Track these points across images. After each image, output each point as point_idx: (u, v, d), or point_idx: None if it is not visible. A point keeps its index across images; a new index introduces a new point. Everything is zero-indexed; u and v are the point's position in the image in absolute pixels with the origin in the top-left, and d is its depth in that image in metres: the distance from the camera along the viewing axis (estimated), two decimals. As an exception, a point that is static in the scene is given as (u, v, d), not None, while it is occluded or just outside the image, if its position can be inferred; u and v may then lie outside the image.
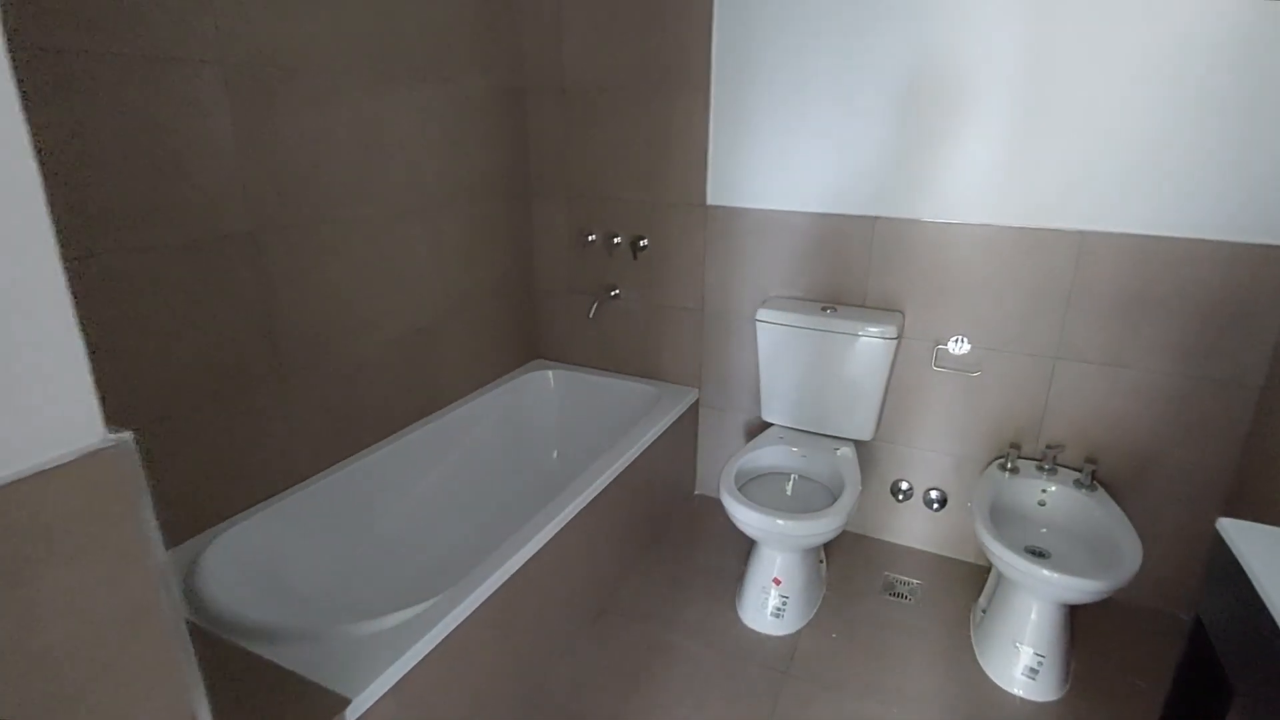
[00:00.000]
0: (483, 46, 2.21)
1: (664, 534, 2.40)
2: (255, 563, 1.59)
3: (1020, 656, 1.76)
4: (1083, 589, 1.55)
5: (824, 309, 2.11)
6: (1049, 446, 1.99)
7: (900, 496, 2.29)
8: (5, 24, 0.50)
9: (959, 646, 1.92)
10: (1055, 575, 1.57)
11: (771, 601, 1.95)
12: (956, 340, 2.04)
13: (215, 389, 1.58)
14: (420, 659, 1.31)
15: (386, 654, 1.27)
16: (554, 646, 1.82)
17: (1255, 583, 0.85)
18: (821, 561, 2.17)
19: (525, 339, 2.69)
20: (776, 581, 1.94)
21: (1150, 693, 1.76)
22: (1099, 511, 1.81)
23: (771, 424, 2.27)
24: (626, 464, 2.03)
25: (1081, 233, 1.84)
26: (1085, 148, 1.79)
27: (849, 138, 2.02)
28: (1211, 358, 1.81)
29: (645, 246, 2.42)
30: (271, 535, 1.67)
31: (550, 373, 2.65)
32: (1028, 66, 1.79)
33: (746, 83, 2.10)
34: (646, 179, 2.34)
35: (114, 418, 1.38)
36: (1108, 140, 1.76)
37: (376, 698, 1.22)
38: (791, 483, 2.10)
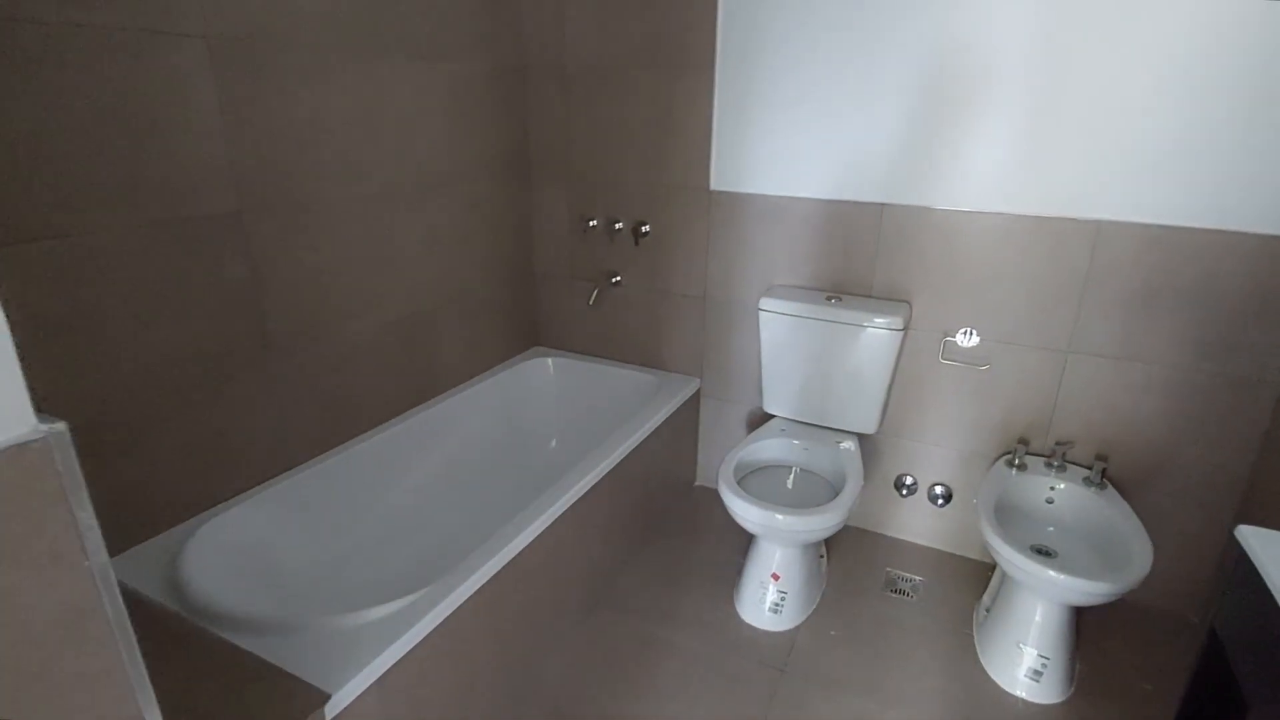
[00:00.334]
0: (482, 24, 2.14)
1: (662, 526, 2.37)
2: (243, 551, 1.56)
3: (1024, 658, 1.71)
4: (1090, 591, 1.50)
5: (829, 298, 2.05)
6: (1058, 443, 1.94)
7: (904, 491, 2.24)
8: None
9: (961, 646, 1.87)
10: (1061, 576, 1.52)
11: (770, 597, 1.91)
12: (965, 332, 1.98)
13: (201, 373, 1.54)
14: (405, 653, 1.28)
15: (370, 648, 1.24)
16: (546, 640, 1.79)
17: (1277, 594, 0.80)
18: (822, 556, 2.12)
19: (524, 326, 2.64)
20: (775, 577, 1.90)
21: (1157, 697, 1.72)
22: (1109, 511, 1.76)
23: (773, 416, 2.22)
24: (625, 454, 1.98)
25: (1099, 222, 1.78)
26: (1104, 134, 1.72)
27: (858, 122, 1.96)
28: (1231, 354, 1.74)
29: (647, 232, 2.36)
30: (260, 523, 1.64)
31: (550, 360, 2.61)
32: (1047, 50, 1.71)
33: (752, 64, 2.03)
34: (649, 163, 2.28)
35: (94, 402, 1.35)
36: (1128, 126, 1.69)
37: (358, 693, 1.19)
38: (793, 476, 2.05)
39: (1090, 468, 1.88)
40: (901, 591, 2.07)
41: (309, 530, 1.75)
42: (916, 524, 2.28)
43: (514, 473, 2.42)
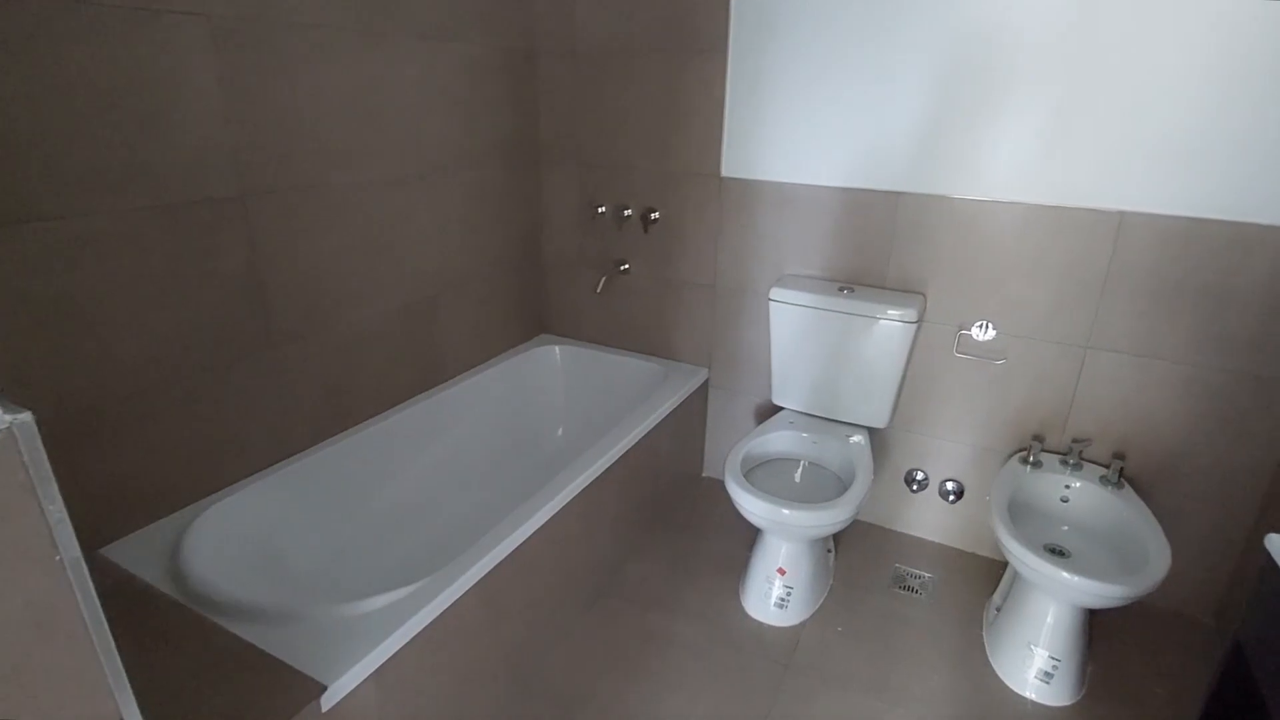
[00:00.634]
0: (491, 4, 2.10)
1: (668, 517, 2.34)
2: (243, 538, 1.55)
3: (1034, 659, 1.68)
4: (1104, 594, 1.47)
5: (841, 289, 2.01)
6: (1075, 440, 1.89)
7: (915, 487, 2.20)
8: None
9: (970, 645, 1.84)
10: (1075, 578, 1.48)
11: (776, 591, 1.89)
12: (981, 325, 1.93)
13: (203, 359, 1.52)
14: (404, 644, 1.27)
15: (368, 639, 1.22)
16: (549, 631, 1.77)
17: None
18: (830, 551, 2.09)
19: (531, 312, 2.61)
20: (781, 571, 1.87)
21: (1170, 701, 1.68)
22: (1125, 511, 1.71)
23: (782, 408, 2.18)
24: (631, 444, 1.96)
25: (1122, 213, 1.72)
26: (1130, 123, 1.66)
27: (874, 107, 1.90)
28: (1255, 351, 1.68)
29: (657, 219, 2.32)
30: (261, 510, 1.63)
31: (557, 348, 2.58)
32: (1072, 35, 1.65)
33: (766, 47, 1.98)
34: (659, 148, 2.23)
35: (94, 387, 1.34)
36: (1154, 115, 1.63)
37: (355, 684, 1.17)
38: (801, 470, 2.02)
39: (1108, 466, 1.83)
40: (910, 588, 2.04)
41: (311, 518, 1.74)
42: (927, 520, 2.24)
43: (519, 461, 2.40)
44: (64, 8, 1.19)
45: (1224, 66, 1.55)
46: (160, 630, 1.23)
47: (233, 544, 1.51)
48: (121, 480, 1.42)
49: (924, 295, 2.00)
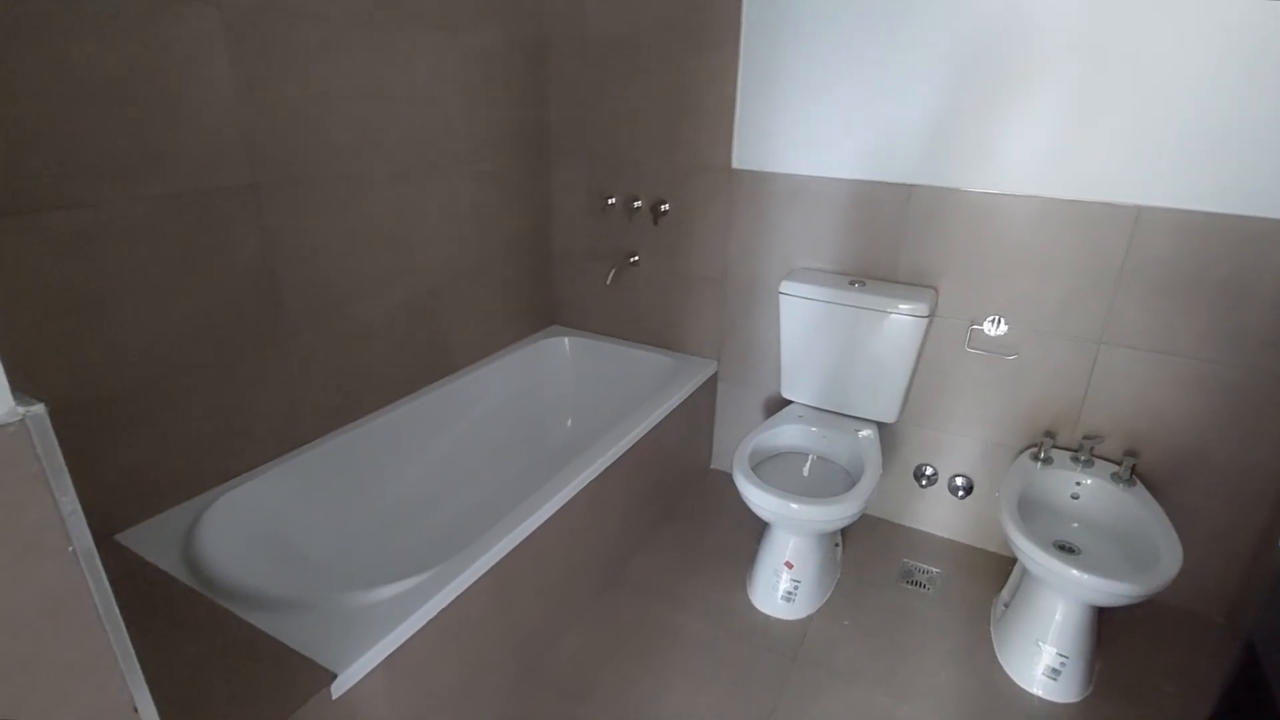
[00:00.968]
0: (502, -6, 2.09)
1: (676, 509, 2.35)
2: (256, 526, 1.57)
3: (1042, 655, 1.67)
4: (1114, 592, 1.46)
5: (852, 283, 2.00)
6: (1086, 437, 1.87)
7: (924, 482, 2.19)
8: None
9: (978, 641, 1.84)
10: (1085, 576, 1.47)
11: (783, 585, 1.89)
12: (993, 320, 1.92)
13: (216, 347, 1.53)
14: (414, 633, 1.28)
15: (378, 628, 1.23)
16: (556, 621, 1.78)
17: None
18: (837, 545, 2.09)
19: (541, 304, 2.61)
20: (789, 565, 1.88)
21: (1179, 700, 1.67)
22: (1137, 508, 1.70)
23: (791, 401, 2.18)
24: (640, 436, 1.96)
25: (1138, 207, 1.69)
26: (1147, 115, 1.63)
27: (887, 99, 1.88)
28: (1272, 348, 1.66)
29: (667, 211, 2.31)
30: (273, 498, 1.65)
31: (566, 340, 2.58)
32: (1090, 25, 1.62)
33: (778, 38, 1.96)
34: (670, 140, 2.22)
35: (109, 375, 1.35)
36: (1172, 108, 1.60)
37: (364, 672, 1.19)
38: (809, 464, 2.02)
39: (1119, 463, 1.81)
40: (918, 583, 2.03)
41: (322, 506, 1.75)
42: (935, 515, 2.23)
43: (528, 452, 2.41)
44: (77, -2, 1.20)
45: (1243, 59, 1.52)
46: (173, 617, 1.24)
47: (245, 532, 1.52)
48: (136, 467, 1.44)
49: (936, 289, 1.98)
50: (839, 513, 1.71)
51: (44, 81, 1.18)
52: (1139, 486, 1.77)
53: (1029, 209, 1.81)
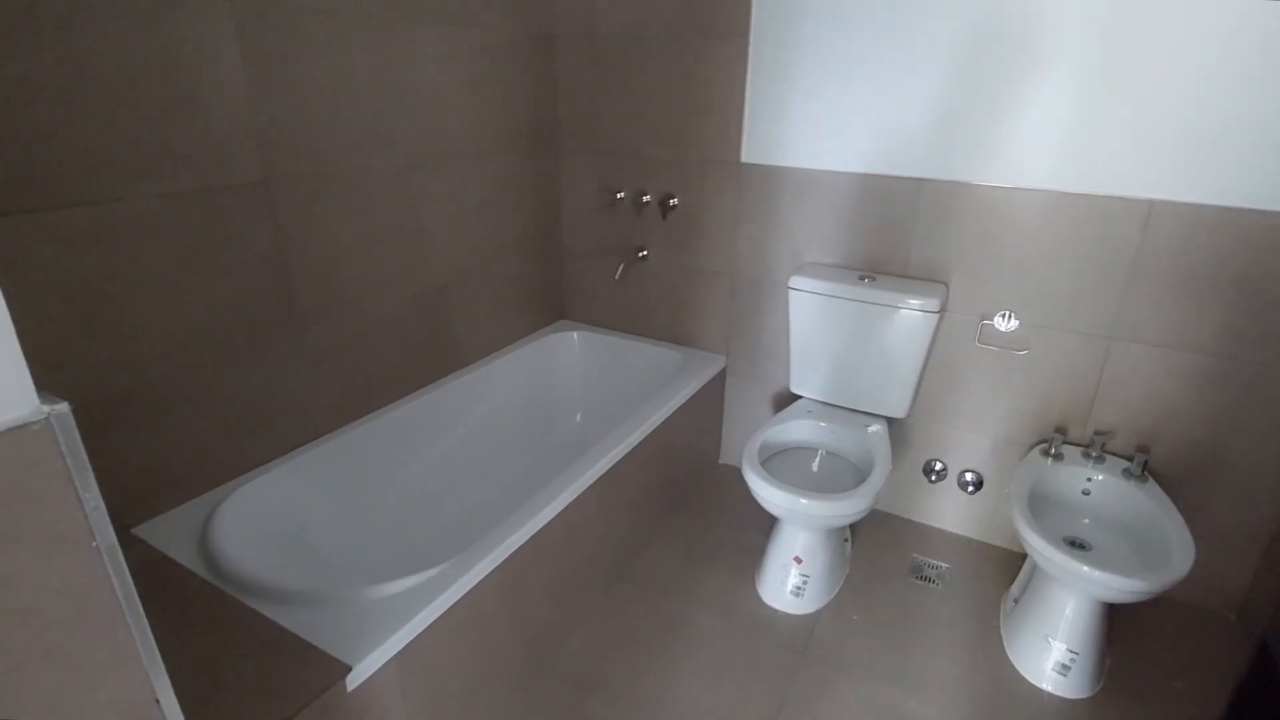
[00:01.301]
0: (511, -12, 2.09)
1: (685, 504, 2.35)
2: (270, 519, 1.58)
3: (1052, 651, 1.67)
4: (1125, 588, 1.45)
5: (862, 278, 1.99)
6: (1098, 433, 1.86)
7: (933, 477, 2.19)
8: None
9: (987, 636, 1.84)
10: (1095, 572, 1.47)
11: (792, 580, 1.89)
12: (1004, 315, 1.91)
13: (229, 341, 1.55)
14: (427, 625, 1.29)
15: (391, 621, 1.25)
16: (567, 615, 1.79)
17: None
18: (846, 540, 2.09)
19: (550, 298, 2.62)
20: (798, 560, 1.88)
21: (1189, 696, 1.67)
22: (1149, 504, 1.69)
23: (801, 396, 2.17)
24: (649, 431, 1.96)
25: (1151, 201, 1.68)
26: (1160, 109, 1.62)
27: (898, 92, 1.87)
28: (1289, 344, 1.65)
29: (675, 206, 2.31)
30: (287, 492, 1.66)
31: (575, 334, 2.59)
32: (1101, 16, 1.61)
33: (788, 31, 1.95)
34: (679, 134, 2.22)
35: (125, 370, 1.37)
36: (1186, 100, 1.59)
37: (378, 665, 1.20)
38: (818, 459, 2.02)
39: (1131, 459, 1.81)
40: (927, 578, 2.03)
41: (335, 500, 1.77)
42: (945, 510, 2.23)
43: (538, 446, 2.42)
44: (92, -4, 1.21)
45: (1258, 50, 1.50)
46: (189, 610, 1.26)
47: (259, 525, 1.54)
48: (152, 461, 1.46)
49: (946, 284, 1.97)
50: (848, 508, 1.71)
51: (58, 80, 1.19)
52: (1151, 483, 1.76)
53: (1040, 203, 1.80)
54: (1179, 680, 1.71)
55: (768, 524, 2.05)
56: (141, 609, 0.59)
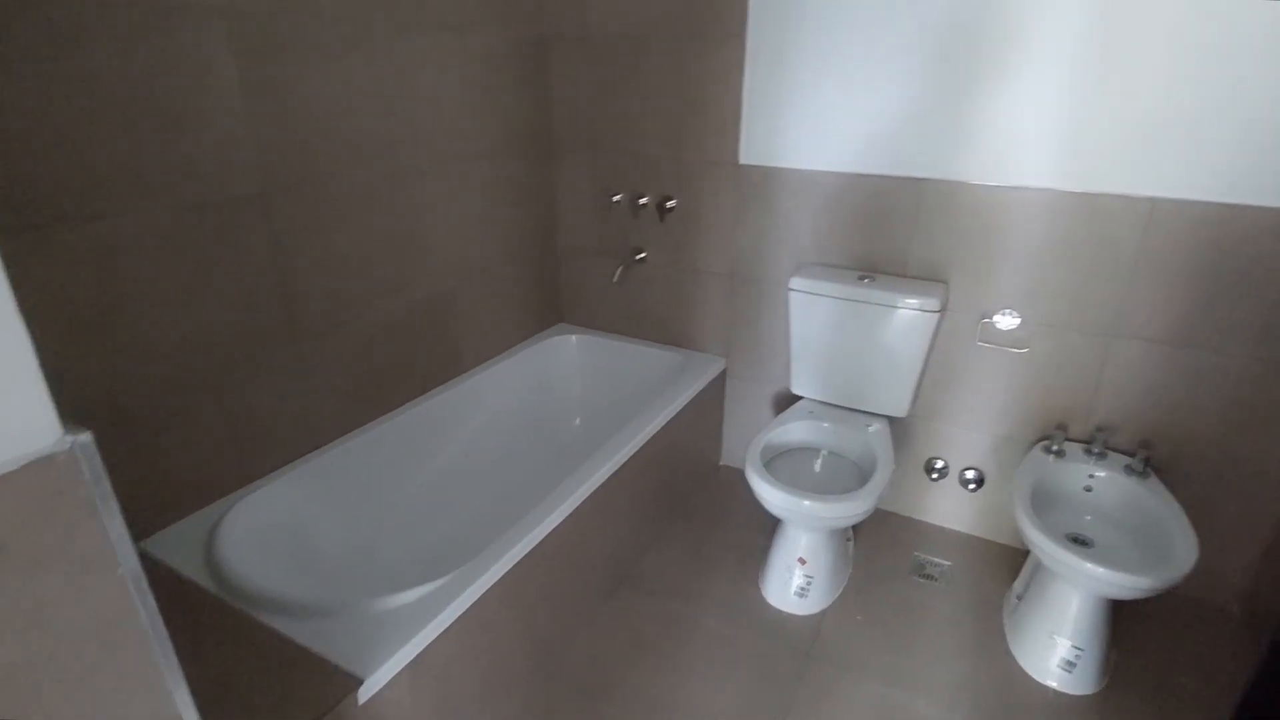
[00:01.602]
0: (506, -8, 2.08)
1: (687, 506, 2.36)
2: (275, 530, 1.58)
3: (1056, 648, 1.68)
4: (1129, 585, 1.47)
5: (862, 278, 2.00)
6: (1099, 429, 1.88)
7: (935, 475, 2.20)
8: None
9: (991, 634, 1.85)
10: (1099, 569, 1.48)
11: (796, 581, 1.90)
12: (1004, 314, 1.92)
13: (232, 353, 1.54)
14: (436, 637, 1.29)
15: (401, 633, 1.24)
16: (573, 620, 1.79)
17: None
18: (849, 540, 2.10)
19: (549, 302, 2.62)
20: (801, 561, 1.89)
21: (1195, 692, 1.68)
22: (1151, 501, 1.71)
23: (801, 397, 2.18)
24: (650, 435, 1.97)
25: (1152, 199, 1.69)
26: (1160, 105, 1.63)
27: (894, 92, 1.88)
28: (1286, 339, 1.66)
29: (673, 208, 2.31)
30: (291, 502, 1.66)
31: (574, 338, 2.59)
32: (1097, 12, 1.62)
33: (785, 32, 1.95)
34: (675, 136, 2.22)
35: (129, 384, 1.36)
36: (1185, 97, 1.60)
37: (389, 677, 1.20)
38: (820, 459, 2.02)
39: (1133, 455, 1.82)
40: (930, 576, 2.05)
41: (339, 509, 1.77)
42: (946, 508, 2.24)
43: (539, 450, 2.42)
44: (94, 11, 1.19)
45: (1260, 47, 1.51)
46: (200, 624, 1.26)
47: (265, 537, 1.53)
48: (157, 475, 1.45)
49: (946, 283, 1.98)
50: (852, 509, 1.71)
51: (60, 97, 1.18)
52: (1154, 479, 1.78)
53: (1039, 201, 1.81)
54: (1184, 674, 1.73)
55: (770, 525, 2.06)
56: (166, 633, 0.59)
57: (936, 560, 2.11)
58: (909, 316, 1.91)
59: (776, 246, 2.19)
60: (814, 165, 2.05)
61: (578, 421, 2.58)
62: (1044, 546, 1.57)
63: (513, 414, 2.38)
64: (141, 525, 1.44)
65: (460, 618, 1.34)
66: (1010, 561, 2.09)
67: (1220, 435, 1.79)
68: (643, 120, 2.25)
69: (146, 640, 0.57)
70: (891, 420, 2.09)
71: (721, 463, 2.61)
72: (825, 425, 2.05)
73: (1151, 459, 1.83)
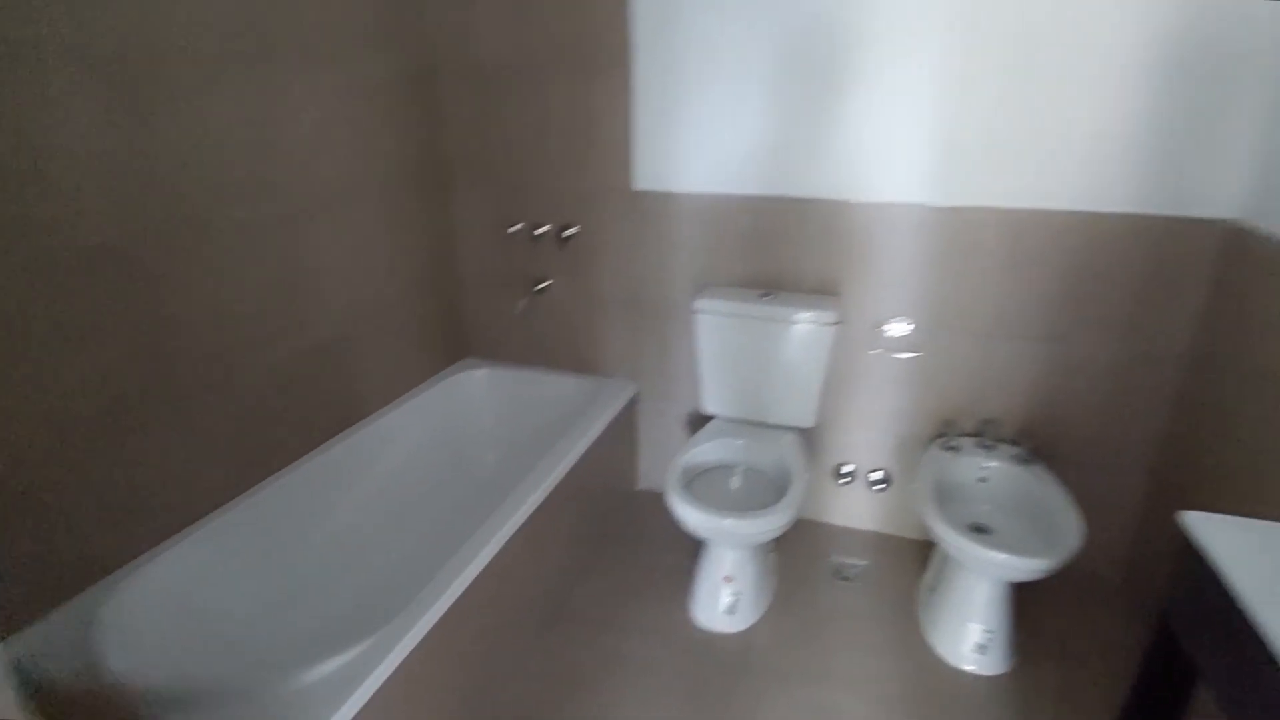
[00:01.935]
0: (383, 24, 2.02)
1: (609, 535, 2.34)
2: (168, 609, 1.43)
3: (969, 634, 1.79)
4: (1029, 568, 1.58)
5: (762, 295, 2.06)
6: (986, 422, 2.02)
7: (844, 479, 2.30)
8: None
9: (909, 627, 1.94)
10: (1001, 555, 1.59)
11: (724, 599, 1.92)
12: (896, 321, 2.04)
13: (104, 419, 1.39)
14: (359, 709, 1.20)
15: (322, 710, 1.15)
16: (505, 663, 1.73)
17: (1223, 574, 0.85)
18: (772, 552, 2.15)
19: (452, 338, 2.54)
20: (728, 579, 1.91)
21: (1093, 655, 1.83)
22: (1038, 486, 1.85)
23: (713, 416, 2.22)
24: (569, 466, 1.94)
25: (1017, 210, 1.85)
26: (1014, 126, 1.79)
27: (774, 119, 1.97)
28: (1139, 331, 1.86)
29: (573, 235, 2.31)
30: (184, 575, 1.51)
31: (482, 372, 2.52)
32: (957, 40, 1.76)
33: (668, 61, 2.01)
34: (570, 164, 2.22)
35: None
36: (1034, 118, 1.77)
37: (310, 761, 1.10)
38: (737, 476, 2.06)
39: (1019, 446, 1.97)
40: (848, 578, 2.12)
41: (239, 578, 1.63)
42: (857, 509, 2.34)
43: (453, 492, 2.33)
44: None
45: (1095, 74, 1.69)
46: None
47: (154, 620, 1.39)
48: (24, 561, 1.28)
49: (841, 296, 2.08)
50: (772, 524, 1.75)
51: None
52: (1038, 466, 1.92)
53: (916, 216, 1.94)
54: (1081, 642, 1.87)
55: (694, 546, 2.07)
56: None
57: (853, 562, 2.19)
58: (808, 330, 1.99)
59: (677, 269, 2.23)
60: (706, 189, 2.11)
61: (492, 458, 2.51)
62: (949, 538, 1.67)
63: (424, 456, 2.28)
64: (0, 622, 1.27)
65: (386, 683, 1.26)
66: (919, 554, 2.21)
67: (1090, 421, 1.98)
68: (537, 149, 2.24)
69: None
70: (801, 431, 2.16)
71: (639, 487, 2.61)
72: (739, 442, 2.09)
73: (1034, 448, 1.99)
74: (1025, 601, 1.98)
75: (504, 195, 2.34)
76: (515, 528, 1.67)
